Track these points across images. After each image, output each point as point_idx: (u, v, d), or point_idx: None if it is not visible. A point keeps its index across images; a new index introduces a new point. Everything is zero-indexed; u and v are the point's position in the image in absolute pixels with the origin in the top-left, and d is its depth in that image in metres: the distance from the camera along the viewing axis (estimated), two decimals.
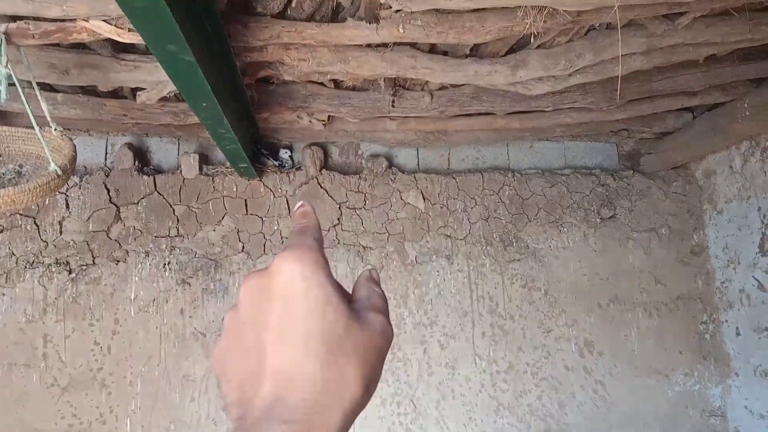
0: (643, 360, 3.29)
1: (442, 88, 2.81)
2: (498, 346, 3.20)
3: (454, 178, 3.36)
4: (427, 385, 3.11)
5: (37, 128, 1.70)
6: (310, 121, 2.84)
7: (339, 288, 0.41)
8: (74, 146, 1.81)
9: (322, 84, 2.69)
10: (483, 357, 3.18)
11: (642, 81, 2.72)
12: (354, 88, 2.78)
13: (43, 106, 1.80)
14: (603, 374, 3.25)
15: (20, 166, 1.84)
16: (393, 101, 2.67)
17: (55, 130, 1.83)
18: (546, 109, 2.86)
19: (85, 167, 3.11)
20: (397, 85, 2.75)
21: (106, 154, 3.19)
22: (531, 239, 3.35)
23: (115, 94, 2.70)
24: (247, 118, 2.61)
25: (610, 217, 3.43)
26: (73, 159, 1.77)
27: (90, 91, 2.65)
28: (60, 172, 1.66)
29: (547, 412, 3.17)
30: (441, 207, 3.31)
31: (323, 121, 2.87)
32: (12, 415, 2.75)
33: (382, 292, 0.48)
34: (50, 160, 1.65)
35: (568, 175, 3.48)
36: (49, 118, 1.81)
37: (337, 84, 2.75)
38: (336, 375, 0.38)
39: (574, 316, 3.29)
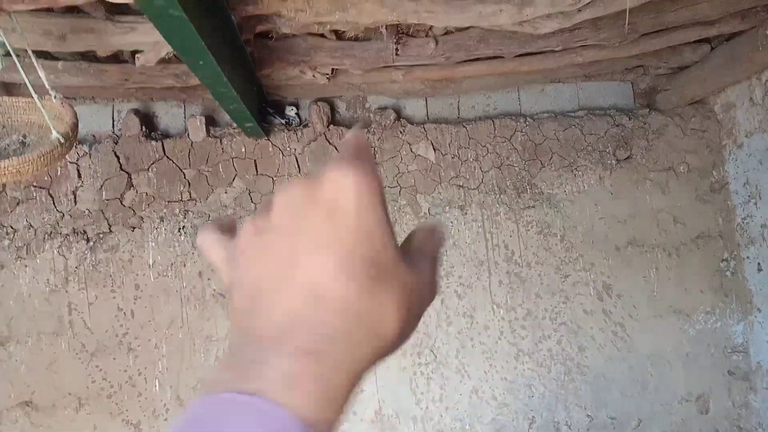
0: (663, 300, 3.27)
1: (447, 33, 2.72)
2: (515, 294, 3.20)
3: (464, 126, 3.30)
4: (446, 334, 3.13)
5: (36, 97, 1.69)
6: (313, 76, 2.79)
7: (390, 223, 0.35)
8: (75, 113, 1.79)
9: (323, 36, 2.62)
10: (501, 305, 3.18)
11: (656, 13, 2.60)
12: (356, 39, 2.71)
13: (41, 73, 1.78)
14: (622, 316, 3.24)
15: (24, 136, 1.84)
16: (397, 49, 2.60)
17: (55, 98, 1.81)
18: (556, 49, 2.77)
19: (93, 135, 3.11)
20: (401, 32, 2.67)
21: (113, 121, 3.18)
22: (545, 185, 3.30)
23: (116, 59, 2.66)
24: (249, 76, 2.57)
25: (626, 158, 3.35)
26: (75, 126, 1.75)
27: (90, 57, 2.62)
28: (62, 140, 1.65)
29: (567, 356, 3.19)
30: (452, 157, 3.26)
31: (327, 74, 2.81)
32: (45, 381, 2.84)
33: (440, 251, 0.41)
34: (51, 129, 1.64)
35: (581, 117, 3.39)
36: (47, 86, 1.79)
37: (338, 35, 2.68)
38: (373, 307, 0.32)
39: (592, 260, 3.26)
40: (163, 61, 2.57)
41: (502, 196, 3.26)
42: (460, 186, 3.24)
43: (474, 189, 3.24)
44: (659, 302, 3.27)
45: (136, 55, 2.30)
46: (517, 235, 3.24)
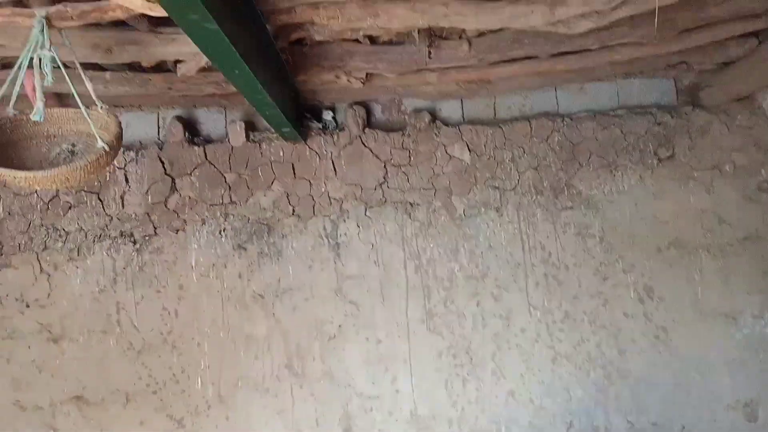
0: (707, 304, 3.17)
1: (481, 35, 2.72)
2: (553, 296, 3.17)
3: (500, 127, 3.29)
4: (482, 336, 3.13)
5: (83, 107, 1.78)
6: (348, 80, 2.83)
7: None
8: (119, 123, 1.88)
9: (356, 41, 2.66)
10: (538, 307, 3.15)
11: (697, 7, 2.53)
12: (390, 42, 2.74)
13: (88, 85, 1.88)
14: (664, 320, 3.16)
15: (73, 145, 1.95)
16: (429, 52, 2.62)
17: (101, 108, 1.91)
18: (592, 48, 2.72)
19: (140, 142, 3.24)
20: (433, 35, 2.68)
21: (159, 128, 3.30)
22: (583, 185, 3.25)
23: (160, 68, 2.77)
24: (285, 82, 2.63)
25: (669, 157, 3.27)
26: (119, 135, 1.84)
27: (136, 67, 2.73)
28: (107, 149, 1.74)
29: (607, 360, 3.13)
30: (488, 158, 3.25)
31: (361, 78, 2.85)
32: (95, 377, 2.98)
33: None
34: (98, 138, 1.73)
35: (621, 115, 3.33)
36: (94, 97, 1.89)
37: (372, 40, 2.71)
38: None
39: (632, 262, 3.19)
40: (204, 70, 2.67)
41: (538, 197, 3.23)
42: (495, 187, 3.23)
43: (510, 190, 3.23)
44: (704, 305, 3.17)
45: (177, 65, 2.39)
46: (555, 237, 3.20)
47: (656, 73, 3.44)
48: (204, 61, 2.30)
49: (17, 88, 1.78)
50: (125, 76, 2.71)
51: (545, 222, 3.21)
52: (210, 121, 3.34)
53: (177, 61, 2.57)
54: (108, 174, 3.09)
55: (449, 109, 3.42)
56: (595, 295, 3.17)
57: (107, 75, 2.68)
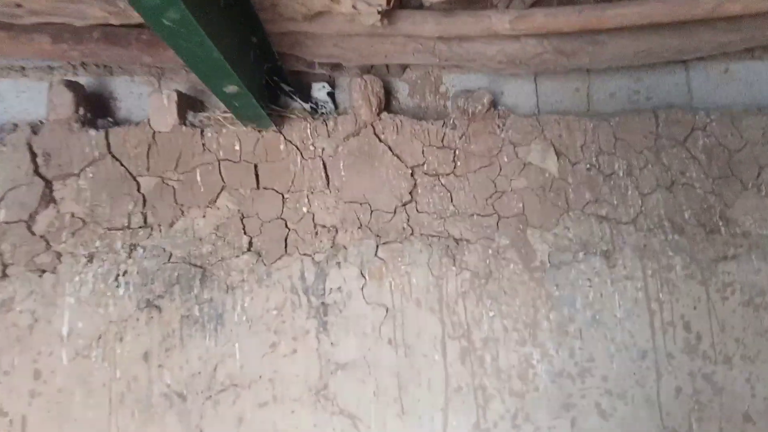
0: None
1: None
2: (706, 414, 1.77)
3: (606, 120, 1.97)
4: None
5: None
6: (354, 7, 1.55)
7: None
8: None
9: None
10: None
11: None
12: None
13: None
14: None
15: None
16: None
17: None
18: None
19: (15, 125, 1.95)
20: None
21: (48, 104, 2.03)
22: (752, 221, 1.90)
23: None
24: (238, 8, 1.34)
25: None
26: None
27: None
28: None
29: None
30: (588, 169, 1.92)
31: (379, 6, 1.56)
32: None
33: None
34: None
35: None
36: None
37: None
38: None
39: None
40: None
41: (676, 236, 1.88)
42: (602, 217, 1.88)
43: (627, 223, 1.88)
44: None
45: None
46: (708, 306, 1.83)
47: None
48: None
49: None
50: None
51: (690, 280, 1.85)
52: (132, 96, 2.07)
53: None
54: None
55: (516, 92, 2.12)
56: None
57: None
